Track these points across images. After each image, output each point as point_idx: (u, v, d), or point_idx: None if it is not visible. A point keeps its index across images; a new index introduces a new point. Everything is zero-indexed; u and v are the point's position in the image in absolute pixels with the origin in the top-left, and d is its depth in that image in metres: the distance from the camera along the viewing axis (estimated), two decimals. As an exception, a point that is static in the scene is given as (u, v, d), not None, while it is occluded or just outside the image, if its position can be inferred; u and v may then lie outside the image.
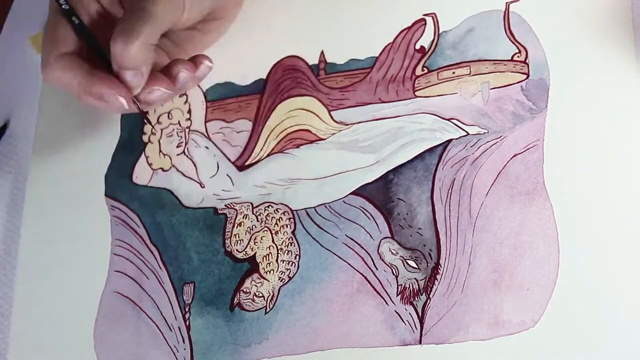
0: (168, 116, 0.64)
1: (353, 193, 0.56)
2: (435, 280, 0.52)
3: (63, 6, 0.53)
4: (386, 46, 0.58)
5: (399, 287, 0.53)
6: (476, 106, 0.55)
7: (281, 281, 0.56)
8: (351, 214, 0.56)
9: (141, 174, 0.63)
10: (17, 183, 0.67)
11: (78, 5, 0.54)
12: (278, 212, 0.58)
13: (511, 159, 0.52)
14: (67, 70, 0.52)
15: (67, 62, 0.52)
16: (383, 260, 0.54)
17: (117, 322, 0.59)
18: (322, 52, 0.59)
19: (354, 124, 0.58)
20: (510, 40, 0.55)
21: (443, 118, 0.55)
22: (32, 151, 0.67)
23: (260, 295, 0.56)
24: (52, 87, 0.69)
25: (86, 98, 0.53)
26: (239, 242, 0.58)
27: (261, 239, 0.57)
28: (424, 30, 0.58)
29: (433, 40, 0.57)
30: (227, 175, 0.60)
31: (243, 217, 0.58)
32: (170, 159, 0.62)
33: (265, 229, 0.57)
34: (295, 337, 0.54)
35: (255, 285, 0.56)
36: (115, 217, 0.62)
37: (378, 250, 0.54)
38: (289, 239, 0.57)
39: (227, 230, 0.59)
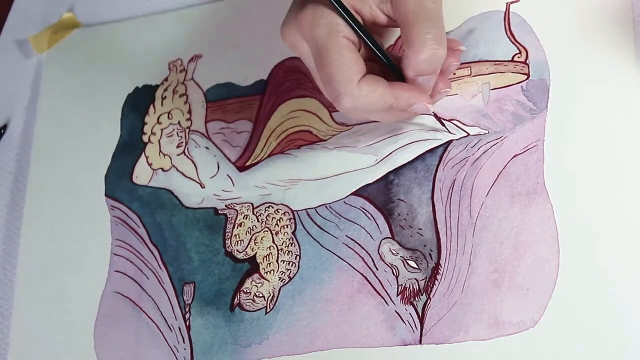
0: (168, 116, 0.64)
1: (354, 194, 0.56)
2: (436, 281, 0.52)
3: (356, 27, 0.49)
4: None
5: (399, 287, 0.53)
6: (477, 107, 0.55)
7: (281, 281, 0.56)
8: (352, 215, 0.56)
9: (141, 174, 0.63)
10: (17, 183, 0.67)
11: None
12: (278, 212, 0.58)
13: (511, 159, 0.53)
14: (371, 94, 0.49)
15: (368, 85, 0.49)
16: (383, 261, 0.54)
17: (117, 322, 0.59)
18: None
19: (354, 125, 0.58)
20: (511, 41, 0.55)
21: (444, 119, 0.55)
22: (32, 151, 0.67)
23: (261, 295, 0.56)
24: (52, 87, 0.69)
25: (382, 115, 0.51)
26: (239, 242, 0.58)
27: (261, 239, 0.57)
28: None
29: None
30: (228, 175, 0.60)
31: (243, 218, 0.58)
32: (171, 159, 0.62)
33: (266, 229, 0.58)
34: (295, 337, 0.54)
35: (256, 286, 0.56)
36: (115, 217, 0.62)
37: (378, 251, 0.54)
38: (289, 240, 0.57)
39: (227, 230, 0.59)
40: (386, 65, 0.51)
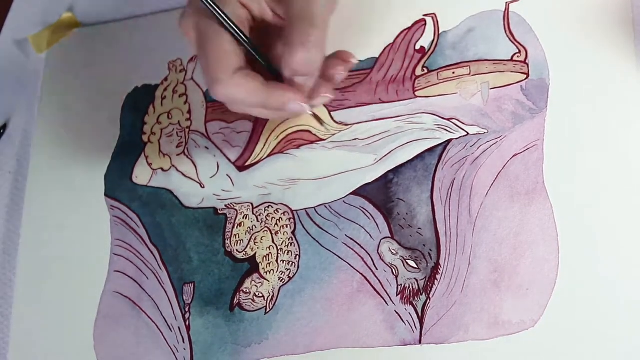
0: (168, 116, 0.64)
1: (353, 193, 0.56)
2: (435, 280, 0.52)
3: (225, 20, 0.50)
4: (386, 47, 0.58)
5: (399, 287, 0.53)
6: (476, 106, 0.55)
7: (281, 281, 0.56)
8: (351, 214, 0.55)
9: (141, 174, 0.63)
10: (17, 183, 0.67)
11: (231, 16, 0.51)
12: (278, 212, 0.58)
13: (511, 159, 0.52)
14: (242, 86, 0.50)
15: (241, 78, 0.50)
16: (383, 260, 0.54)
17: (117, 322, 0.59)
18: (323, 53, 0.59)
19: (354, 124, 0.58)
20: (510, 40, 0.55)
21: (443, 118, 0.55)
22: (32, 151, 0.67)
23: (260, 295, 0.56)
24: (52, 87, 0.69)
25: (260, 110, 0.52)
26: (239, 242, 0.58)
27: (261, 239, 0.57)
28: (424, 31, 0.58)
29: (433, 40, 0.57)
30: (227, 175, 0.60)
31: (243, 218, 0.58)
32: (170, 159, 0.62)
33: (265, 229, 0.57)
34: (295, 337, 0.54)
35: (255, 286, 0.56)
36: (115, 217, 0.62)
37: (378, 250, 0.54)
38: (289, 239, 0.57)
39: (227, 230, 0.59)
40: (262, 65, 0.52)
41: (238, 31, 0.51)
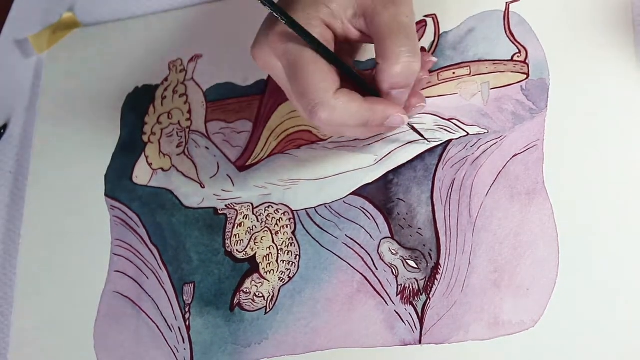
0: (168, 116, 0.64)
1: (353, 193, 0.56)
2: (435, 280, 0.52)
3: (317, 42, 0.49)
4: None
5: (399, 287, 0.53)
6: (476, 106, 0.55)
7: (281, 281, 0.56)
8: (351, 214, 0.56)
9: (141, 174, 0.63)
10: (17, 183, 0.67)
11: (319, 38, 0.49)
12: (278, 212, 0.58)
13: (511, 159, 0.52)
14: (346, 107, 0.48)
15: (345, 97, 0.49)
16: (383, 260, 0.54)
17: (117, 322, 0.59)
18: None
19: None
20: (510, 41, 0.55)
21: (443, 118, 0.55)
22: (32, 151, 0.67)
23: (260, 295, 0.56)
24: (52, 87, 0.69)
25: (359, 130, 0.51)
26: (239, 242, 0.58)
27: (261, 239, 0.57)
28: (424, 31, 0.58)
29: (433, 41, 0.57)
30: (228, 175, 0.60)
31: (243, 218, 0.58)
32: (171, 159, 0.62)
33: (266, 229, 0.57)
34: (295, 337, 0.54)
35: (255, 286, 0.56)
36: (115, 217, 0.62)
37: (378, 250, 0.54)
38: (289, 239, 0.57)
39: (227, 230, 0.59)
40: (357, 84, 0.51)
41: (330, 53, 0.49)
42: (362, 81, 0.51)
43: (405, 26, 0.49)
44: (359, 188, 0.56)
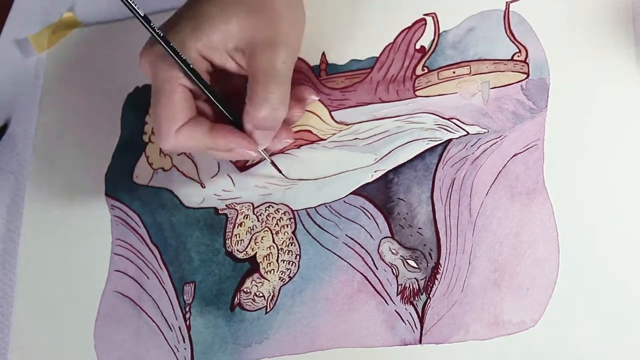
0: (168, 116, 0.64)
1: (353, 193, 0.56)
2: (436, 280, 0.52)
3: (189, 66, 0.50)
4: (387, 46, 0.58)
5: (399, 286, 0.53)
6: (476, 106, 0.55)
7: (282, 281, 0.56)
8: (351, 214, 0.56)
9: (142, 174, 0.63)
10: (17, 183, 0.67)
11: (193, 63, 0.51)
12: (279, 212, 0.58)
13: (511, 158, 0.52)
14: (188, 141, 0.51)
15: (187, 133, 0.51)
16: (383, 260, 0.54)
17: (118, 322, 0.59)
18: (323, 53, 0.59)
19: (354, 123, 0.58)
20: (511, 40, 0.55)
21: (443, 117, 0.55)
22: (32, 151, 0.67)
23: (261, 295, 0.56)
24: (52, 87, 0.69)
25: (213, 153, 0.53)
26: (239, 242, 0.58)
27: (262, 239, 0.57)
28: (424, 30, 0.58)
29: (433, 40, 0.57)
30: (228, 175, 0.60)
31: (244, 217, 0.58)
32: (171, 158, 0.62)
33: (266, 229, 0.58)
34: (295, 336, 0.54)
35: (256, 285, 0.56)
36: (115, 216, 0.62)
37: (378, 250, 0.54)
38: (289, 239, 0.57)
39: (227, 230, 0.59)
40: (221, 113, 0.53)
41: (196, 78, 0.51)
42: (226, 112, 0.52)
43: (278, 73, 0.50)
44: (359, 187, 0.56)
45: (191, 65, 0.50)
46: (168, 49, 0.50)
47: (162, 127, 0.51)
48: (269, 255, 0.57)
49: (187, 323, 0.57)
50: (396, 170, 0.55)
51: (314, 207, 0.57)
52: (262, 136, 0.52)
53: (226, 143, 0.52)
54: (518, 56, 0.55)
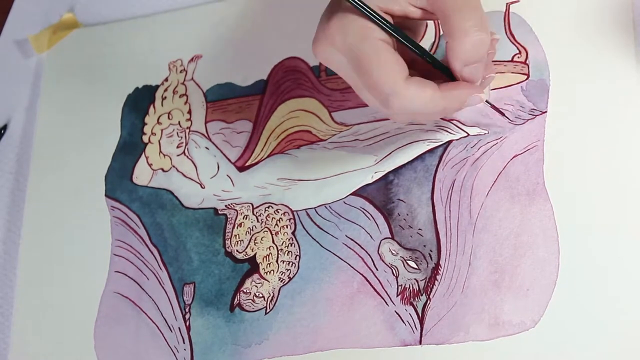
0: (168, 116, 0.64)
1: (353, 194, 0.56)
2: (436, 281, 0.52)
3: (385, 25, 0.47)
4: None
5: (399, 287, 0.53)
6: (476, 107, 0.54)
7: (281, 282, 0.56)
8: (351, 215, 0.56)
9: (141, 175, 0.63)
10: (18, 183, 0.67)
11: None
12: (278, 212, 0.58)
13: (511, 159, 0.52)
14: (421, 94, 0.47)
15: (417, 84, 0.47)
16: (383, 261, 0.54)
17: (118, 323, 0.59)
18: (323, 53, 0.59)
19: (354, 124, 0.58)
20: (511, 41, 0.55)
21: (443, 119, 0.55)
22: (32, 151, 0.67)
23: (261, 295, 0.56)
24: (52, 87, 0.69)
25: (445, 112, 0.49)
26: (239, 242, 0.58)
27: (261, 239, 0.57)
28: (425, 32, 0.58)
29: (434, 41, 0.57)
30: (228, 175, 0.60)
31: (243, 218, 0.58)
32: (171, 159, 0.62)
33: (266, 229, 0.58)
34: (295, 337, 0.54)
35: (256, 286, 0.56)
36: (115, 217, 0.62)
37: (378, 251, 0.54)
38: (289, 240, 0.57)
39: (227, 230, 0.59)
40: (429, 62, 0.49)
41: (400, 32, 0.48)
42: (436, 61, 0.49)
43: (467, 2, 0.47)
44: (359, 188, 0.56)
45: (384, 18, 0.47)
46: (360, 5, 0.46)
47: (386, 84, 0.46)
48: (268, 255, 0.57)
49: (187, 324, 0.57)
50: (396, 171, 0.55)
51: (314, 208, 0.57)
52: (474, 72, 0.48)
53: (459, 94, 0.48)
54: (518, 57, 0.55)
